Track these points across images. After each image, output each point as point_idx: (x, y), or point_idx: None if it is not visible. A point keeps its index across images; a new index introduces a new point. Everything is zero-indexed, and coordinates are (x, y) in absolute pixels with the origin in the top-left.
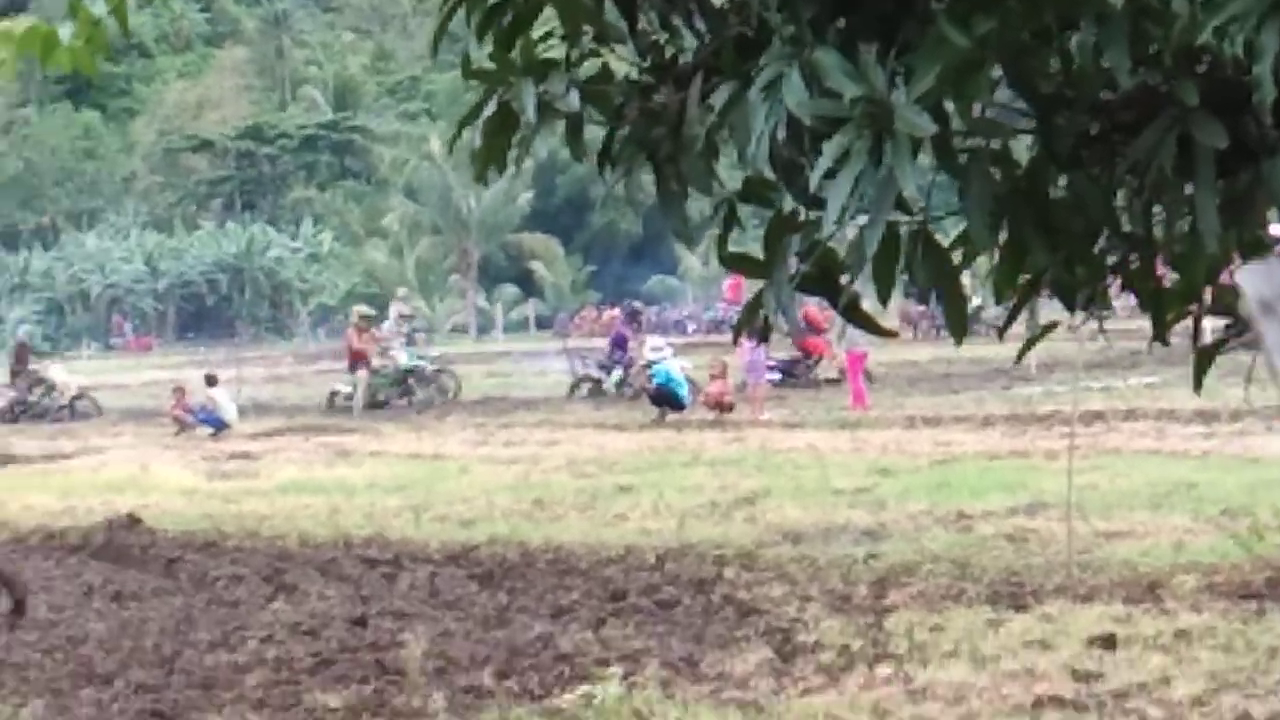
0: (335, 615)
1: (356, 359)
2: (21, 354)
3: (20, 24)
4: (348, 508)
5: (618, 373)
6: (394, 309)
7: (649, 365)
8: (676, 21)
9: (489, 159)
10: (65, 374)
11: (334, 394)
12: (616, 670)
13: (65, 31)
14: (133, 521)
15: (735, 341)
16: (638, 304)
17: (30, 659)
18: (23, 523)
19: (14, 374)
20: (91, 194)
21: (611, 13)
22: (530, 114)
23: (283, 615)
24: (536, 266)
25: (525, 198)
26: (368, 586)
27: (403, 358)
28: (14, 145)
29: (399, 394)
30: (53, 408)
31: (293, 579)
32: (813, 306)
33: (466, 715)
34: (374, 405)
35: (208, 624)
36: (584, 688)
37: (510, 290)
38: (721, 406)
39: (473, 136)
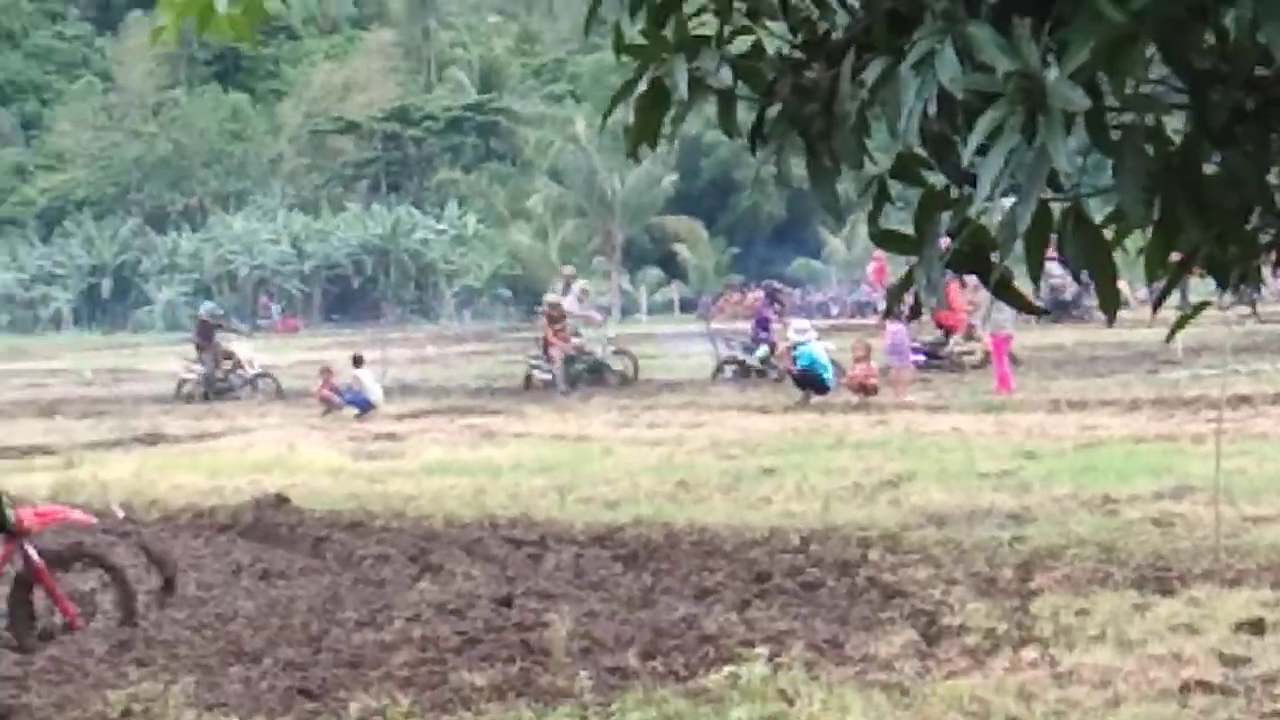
0: (481, 595)
1: (550, 344)
2: (205, 330)
3: None
4: (493, 488)
5: (763, 349)
6: (575, 287)
7: (793, 348)
8: None
9: (641, 135)
10: (249, 350)
11: (530, 375)
12: (761, 651)
13: (222, 1)
14: (280, 501)
15: (884, 319)
16: (777, 284)
17: (180, 636)
18: (172, 502)
19: (199, 349)
20: (239, 176)
21: None
22: (682, 90)
23: (429, 595)
24: (680, 249)
25: (669, 180)
26: (513, 567)
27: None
28: (163, 127)
29: (589, 375)
30: (238, 384)
31: (439, 559)
32: (953, 284)
33: (611, 695)
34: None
35: (354, 603)
36: (729, 668)
37: (654, 273)
38: (865, 389)
39: (624, 114)
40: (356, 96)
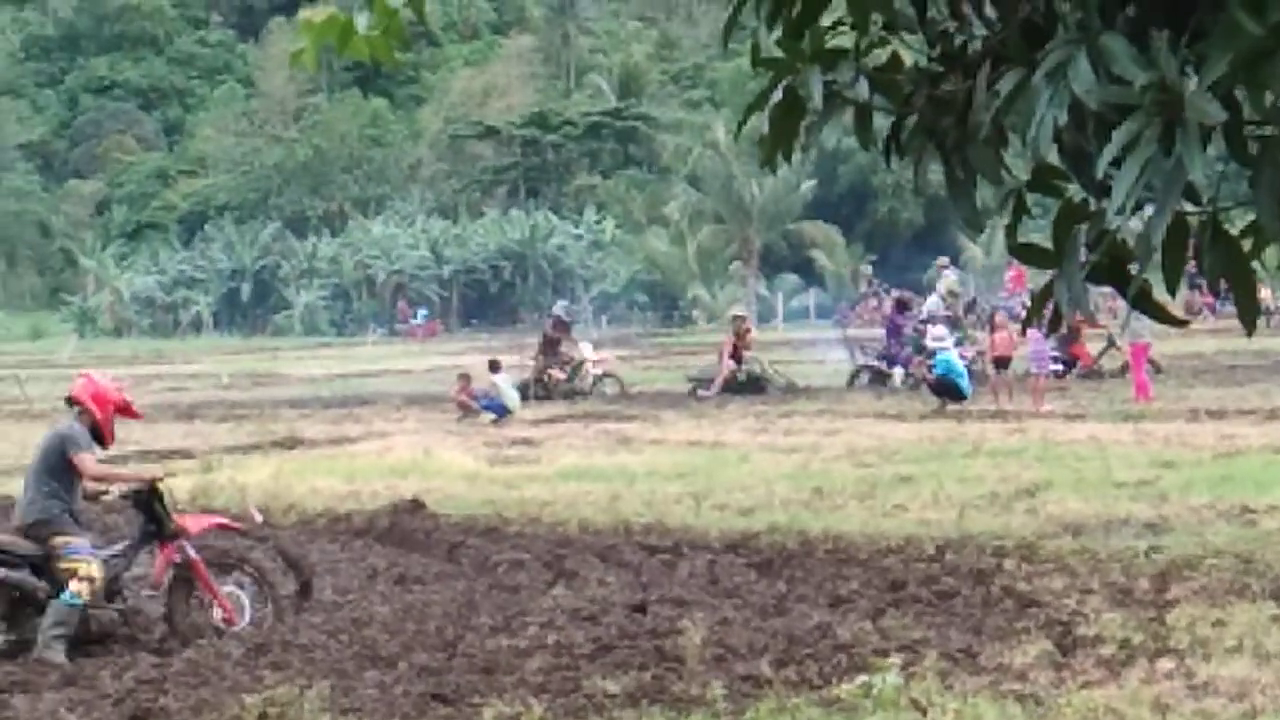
0: (615, 601)
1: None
2: (559, 328)
3: (319, 13)
4: (628, 495)
5: (899, 370)
6: (941, 283)
7: (930, 355)
8: (966, 9)
9: (776, 146)
10: (591, 353)
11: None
12: (895, 661)
13: (362, 21)
14: (416, 506)
15: (1023, 332)
16: (907, 293)
17: (316, 640)
18: (309, 506)
19: (544, 352)
20: (378, 181)
21: (901, 1)
22: (817, 101)
23: (563, 601)
24: (817, 255)
25: (807, 186)
26: (647, 573)
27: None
28: (304, 133)
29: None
30: (582, 389)
31: (573, 565)
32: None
33: (744, 704)
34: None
35: (489, 608)
36: (862, 678)
37: (791, 279)
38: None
39: (759, 123)
40: (496, 102)
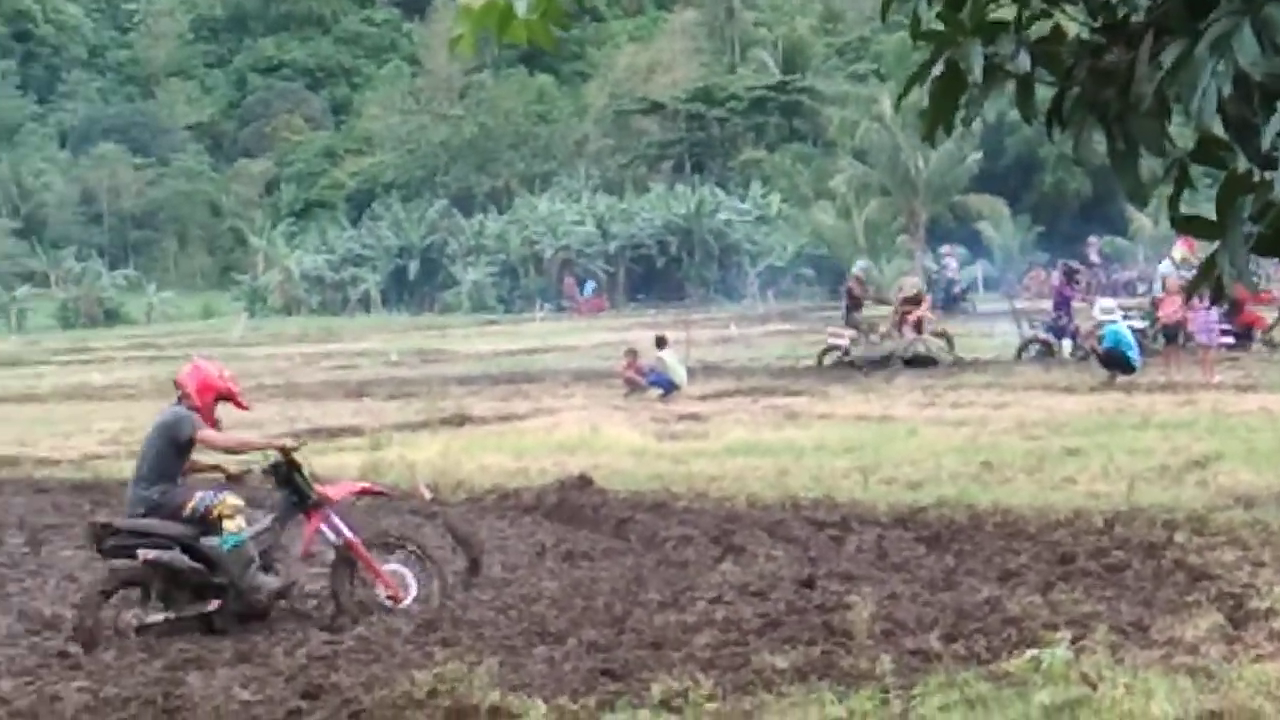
0: (783, 576)
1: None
2: (861, 289)
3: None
4: (796, 469)
5: (1067, 343)
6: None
7: (1098, 327)
8: None
9: (936, 120)
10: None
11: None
12: (1064, 635)
13: (521, 5)
14: (584, 482)
15: (1186, 303)
16: (1074, 263)
17: (485, 617)
18: (478, 483)
19: (848, 314)
20: (544, 157)
21: None
22: (977, 75)
23: (731, 576)
24: (984, 227)
25: (973, 158)
26: (815, 548)
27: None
28: (470, 110)
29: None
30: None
31: (741, 540)
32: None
33: (913, 678)
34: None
35: (657, 584)
36: (1031, 652)
37: (958, 251)
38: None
39: (921, 97)
40: (660, 77)
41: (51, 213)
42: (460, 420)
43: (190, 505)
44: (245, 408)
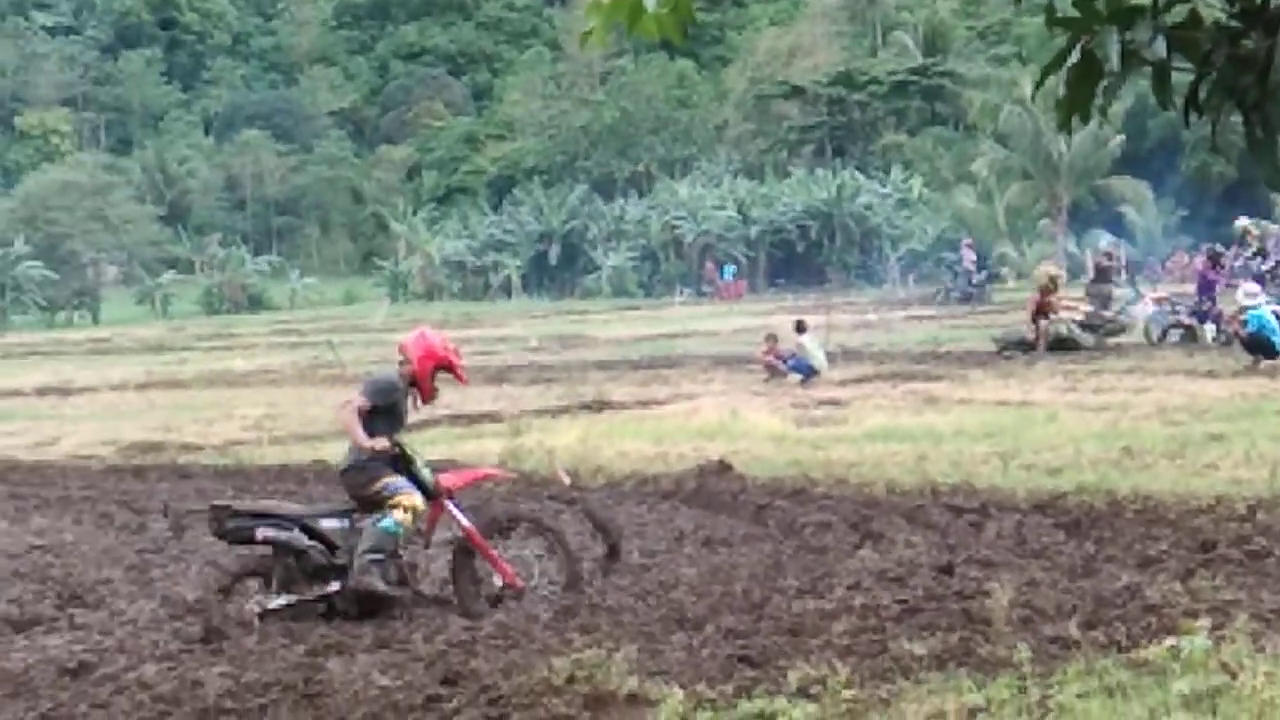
0: (922, 563)
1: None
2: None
3: None
4: (935, 455)
5: (1210, 327)
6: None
7: (1242, 311)
8: None
9: (1073, 107)
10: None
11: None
12: (1205, 622)
13: (651, 1)
14: (723, 468)
15: None
16: (1219, 246)
17: (623, 603)
18: (617, 468)
19: (1090, 289)
20: (685, 142)
21: None
22: (1114, 62)
23: (870, 563)
24: (1127, 211)
25: (1116, 141)
26: (954, 534)
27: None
28: (611, 95)
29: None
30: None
31: (880, 526)
32: None
33: (1052, 666)
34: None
35: (796, 570)
36: (1171, 640)
37: (1100, 235)
38: None
39: (1057, 84)
40: (801, 61)
41: (196, 199)
42: (600, 406)
43: (382, 482)
44: (465, 381)
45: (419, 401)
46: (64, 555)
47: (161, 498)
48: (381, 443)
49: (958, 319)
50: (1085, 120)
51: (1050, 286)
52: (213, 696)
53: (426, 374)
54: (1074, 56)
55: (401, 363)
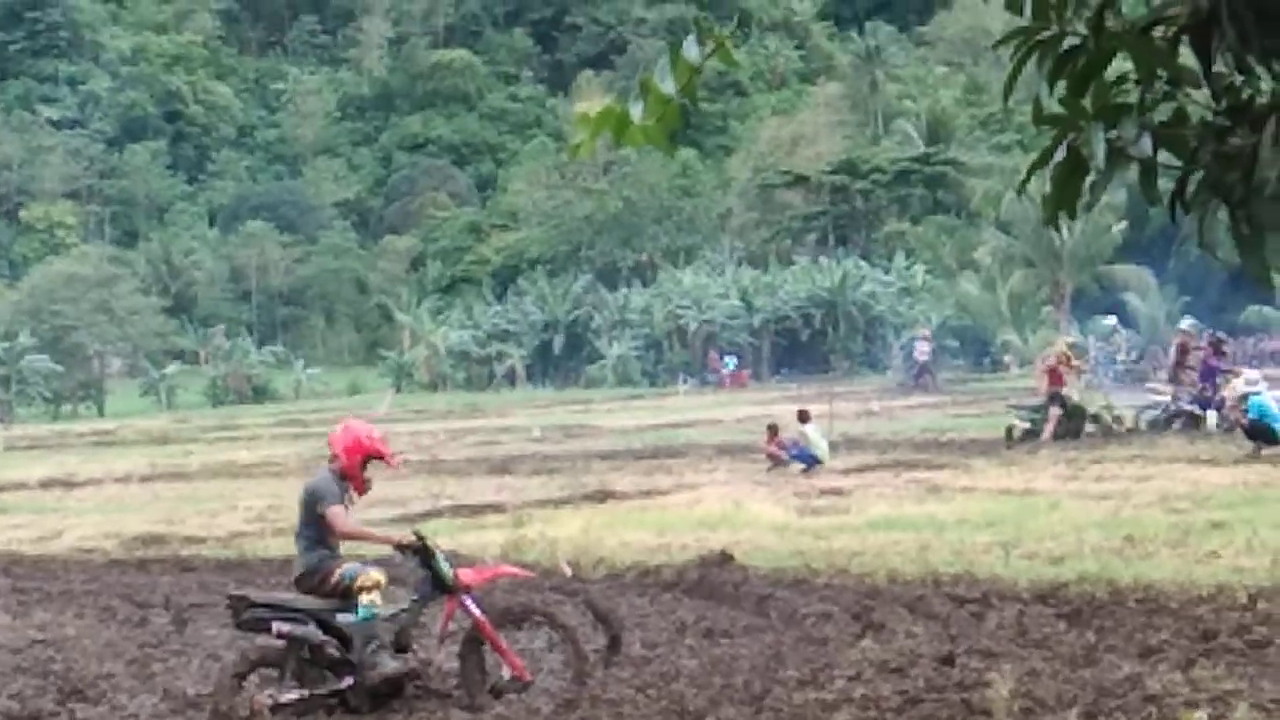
0: (923, 653)
1: (1054, 396)
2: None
3: (595, 105)
4: (937, 544)
5: (1213, 414)
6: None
7: (1243, 398)
8: (1252, 62)
9: (1060, 204)
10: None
11: (1010, 429)
12: (1204, 713)
13: (637, 111)
14: (725, 558)
15: None
16: (1222, 334)
17: (624, 695)
18: (619, 559)
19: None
20: (689, 231)
21: (1186, 55)
22: (1100, 160)
23: (871, 653)
24: (1130, 298)
25: (1118, 229)
26: (956, 624)
27: (1075, 395)
28: (614, 185)
29: (1074, 431)
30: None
31: (881, 616)
32: None
33: None
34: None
35: (797, 661)
36: None
37: (1103, 322)
38: None
39: (1043, 181)
40: (804, 150)
41: (201, 290)
42: (602, 496)
43: (338, 574)
44: (394, 465)
45: (353, 496)
46: (65, 649)
47: (164, 591)
48: (407, 536)
49: (960, 405)
50: (1072, 216)
51: (1065, 357)
52: None
53: (355, 467)
54: (1060, 153)
55: (331, 459)
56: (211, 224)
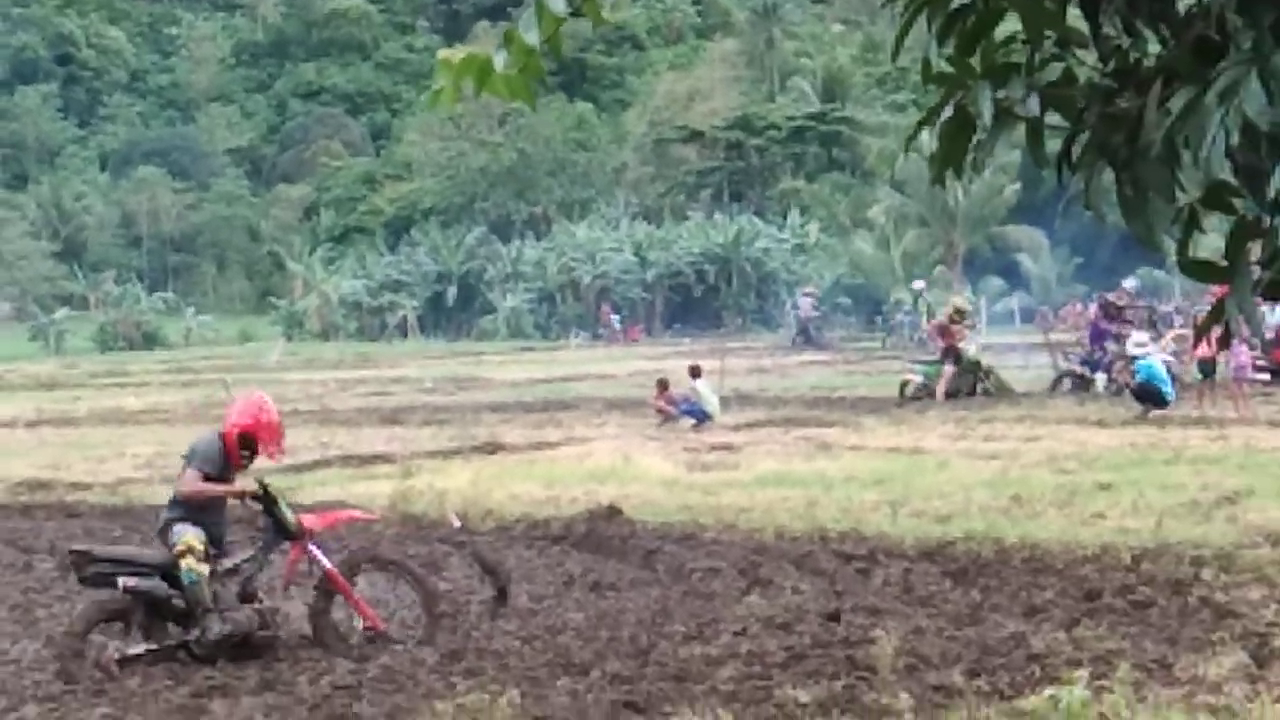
0: (809, 610)
1: (948, 351)
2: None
3: (457, 52)
4: (825, 501)
5: (1102, 376)
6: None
7: (1131, 360)
8: (1140, 25)
9: (946, 163)
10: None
11: (904, 384)
12: (1086, 672)
13: (500, 60)
14: (613, 512)
15: (1194, 346)
16: (1110, 296)
17: (510, 647)
18: (508, 511)
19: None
20: (583, 185)
21: (1075, 17)
22: (987, 119)
23: (757, 609)
24: (1022, 259)
25: (1011, 190)
26: (842, 581)
27: (971, 350)
28: (509, 137)
29: (968, 387)
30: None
31: (768, 572)
32: None
33: (935, 714)
34: (948, 397)
35: (683, 616)
36: (1051, 689)
37: (995, 282)
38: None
39: (930, 140)
40: (700, 105)
41: (91, 235)
42: (492, 448)
43: (173, 534)
44: (272, 457)
45: (232, 464)
46: None
47: (49, 537)
48: (247, 484)
49: (852, 364)
50: (959, 175)
51: (957, 318)
52: None
53: (233, 439)
54: (948, 112)
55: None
56: (103, 169)
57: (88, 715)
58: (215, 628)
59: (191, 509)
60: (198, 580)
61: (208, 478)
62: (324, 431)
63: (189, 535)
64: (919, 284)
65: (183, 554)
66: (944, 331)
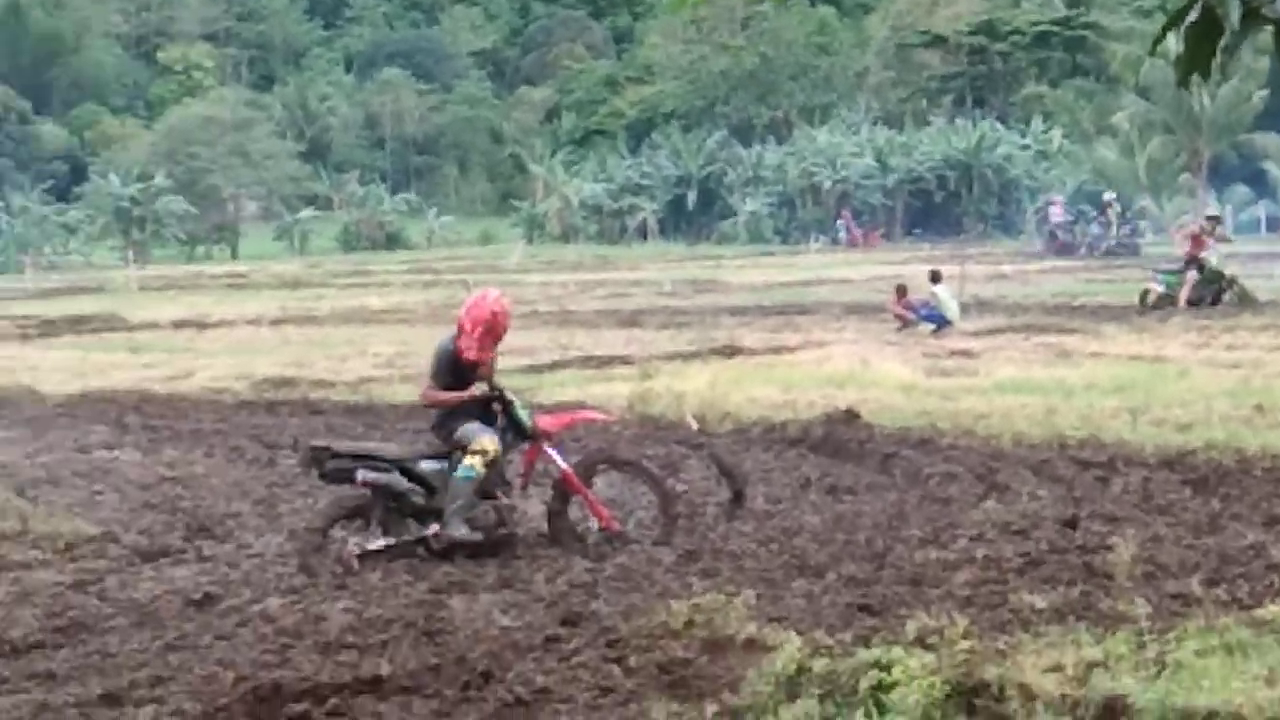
0: (1046, 516)
1: (1191, 260)
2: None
3: None
4: (1064, 408)
5: None
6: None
7: None
8: None
9: (1192, 66)
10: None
11: (1145, 293)
12: None
13: None
14: (851, 416)
15: None
16: None
17: (746, 549)
18: (745, 415)
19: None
20: (824, 89)
21: None
22: (1234, 20)
23: (994, 514)
24: (1269, 167)
25: (1259, 96)
26: (1080, 488)
27: (1214, 259)
28: (751, 40)
29: (1212, 296)
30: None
31: (1005, 478)
32: None
33: (1172, 622)
34: (1189, 305)
35: (919, 520)
36: None
37: (1241, 190)
38: None
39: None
40: (943, 10)
41: (336, 136)
42: (730, 351)
43: (460, 431)
44: (484, 362)
45: (463, 363)
46: (194, 487)
47: (292, 433)
48: (479, 388)
49: (1093, 271)
50: (1205, 78)
51: (1209, 228)
52: (335, 631)
53: (479, 336)
54: (1194, 14)
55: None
56: (348, 70)
57: (329, 609)
58: (459, 529)
59: (472, 407)
60: (472, 478)
61: (447, 387)
62: (563, 333)
63: (485, 439)
64: (1109, 195)
65: (473, 451)
66: (1195, 240)
